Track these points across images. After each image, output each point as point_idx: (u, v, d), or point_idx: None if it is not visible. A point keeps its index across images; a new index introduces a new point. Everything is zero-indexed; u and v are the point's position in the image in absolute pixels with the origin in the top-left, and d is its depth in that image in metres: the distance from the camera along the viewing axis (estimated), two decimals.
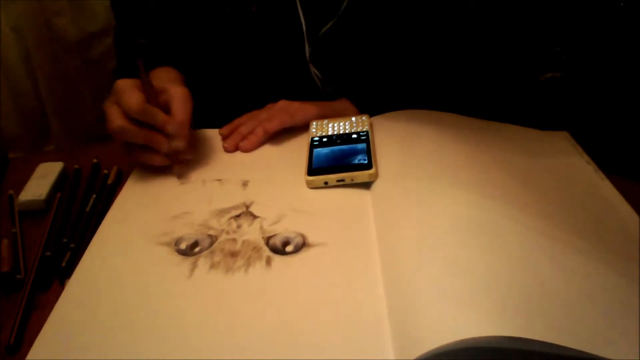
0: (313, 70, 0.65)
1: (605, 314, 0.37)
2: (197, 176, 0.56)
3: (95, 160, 0.60)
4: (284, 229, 0.48)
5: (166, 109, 0.54)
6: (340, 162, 0.54)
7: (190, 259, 0.45)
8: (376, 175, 0.52)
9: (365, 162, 0.53)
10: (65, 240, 0.49)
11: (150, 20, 0.70)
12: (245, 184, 0.54)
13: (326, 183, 0.53)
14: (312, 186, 0.53)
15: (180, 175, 0.56)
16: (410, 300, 0.38)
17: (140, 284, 0.43)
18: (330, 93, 0.67)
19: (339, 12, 0.62)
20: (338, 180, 0.53)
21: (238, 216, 0.50)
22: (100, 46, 1.00)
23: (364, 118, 0.60)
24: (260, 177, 0.55)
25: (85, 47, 0.99)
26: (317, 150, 0.56)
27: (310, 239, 0.46)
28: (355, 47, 0.64)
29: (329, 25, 0.63)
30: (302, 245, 0.46)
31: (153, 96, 0.54)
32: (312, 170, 0.54)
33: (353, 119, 0.60)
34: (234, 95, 0.68)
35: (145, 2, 0.70)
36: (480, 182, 0.50)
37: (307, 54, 0.65)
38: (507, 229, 0.44)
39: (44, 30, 0.94)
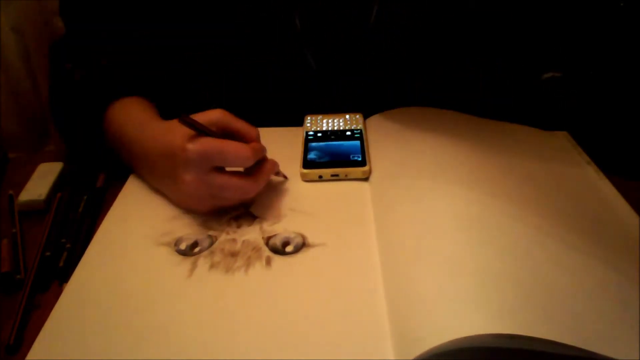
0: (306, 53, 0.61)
1: (605, 312, 0.37)
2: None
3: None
4: (283, 229, 0.48)
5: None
6: (335, 158, 0.55)
7: (190, 259, 0.45)
8: (369, 173, 0.54)
9: (360, 159, 0.54)
10: (63, 240, 0.49)
11: (111, 36, 0.59)
12: None
13: (320, 177, 0.54)
14: (307, 179, 0.54)
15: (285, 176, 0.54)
16: (409, 299, 0.38)
17: (140, 284, 0.43)
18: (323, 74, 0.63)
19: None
20: (332, 175, 0.53)
21: (238, 216, 0.50)
22: None
23: (357, 116, 0.61)
24: None
25: None
26: (312, 145, 0.57)
27: (310, 239, 0.47)
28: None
29: None
30: (302, 246, 0.46)
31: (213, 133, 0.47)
32: (307, 163, 0.54)
33: (347, 116, 0.61)
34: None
35: (99, 14, 0.60)
36: (479, 180, 0.50)
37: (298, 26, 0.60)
38: (507, 226, 0.44)
39: (44, 30, 0.94)
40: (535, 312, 0.36)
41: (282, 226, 0.48)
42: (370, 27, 0.60)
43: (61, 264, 0.47)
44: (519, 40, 0.60)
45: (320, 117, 0.62)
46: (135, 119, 0.54)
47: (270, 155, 0.56)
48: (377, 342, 0.37)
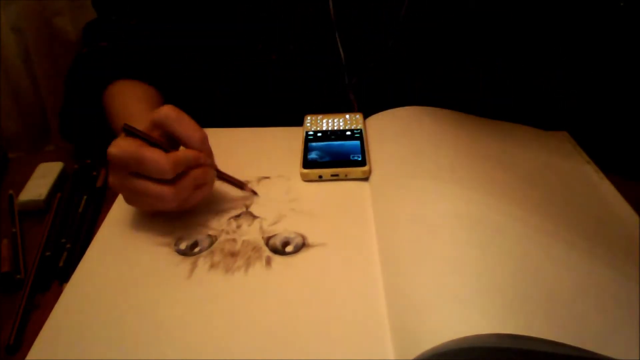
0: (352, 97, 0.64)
1: (605, 312, 0.37)
2: None
3: (88, 161, 0.60)
4: (283, 229, 0.48)
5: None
6: (335, 158, 0.55)
7: (190, 259, 0.45)
8: (369, 173, 0.53)
9: (359, 159, 0.54)
10: (63, 240, 0.49)
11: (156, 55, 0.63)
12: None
13: (320, 177, 0.54)
14: (307, 179, 0.54)
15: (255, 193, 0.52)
16: (409, 299, 0.38)
17: (139, 284, 0.43)
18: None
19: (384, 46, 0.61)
20: (332, 175, 0.54)
21: (238, 216, 0.50)
22: None
23: (357, 116, 0.61)
24: (260, 177, 0.55)
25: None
26: (312, 144, 0.57)
27: (310, 239, 0.47)
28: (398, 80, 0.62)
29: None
30: (302, 246, 0.46)
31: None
32: (307, 163, 0.54)
33: (347, 116, 0.61)
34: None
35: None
36: (479, 180, 0.50)
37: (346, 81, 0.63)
38: (506, 226, 0.44)
39: (44, 30, 0.94)
40: (535, 312, 0.36)
41: (282, 226, 0.48)
42: (400, 20, 0.60)
43: (61, 264, 0.47)
44: (519, 40, 0.60)
45: (320, 117, 0.62)
46: (126, 109, 0.56)
47: (270, 155, 0.56)
48: (377, 342, 0.37)
